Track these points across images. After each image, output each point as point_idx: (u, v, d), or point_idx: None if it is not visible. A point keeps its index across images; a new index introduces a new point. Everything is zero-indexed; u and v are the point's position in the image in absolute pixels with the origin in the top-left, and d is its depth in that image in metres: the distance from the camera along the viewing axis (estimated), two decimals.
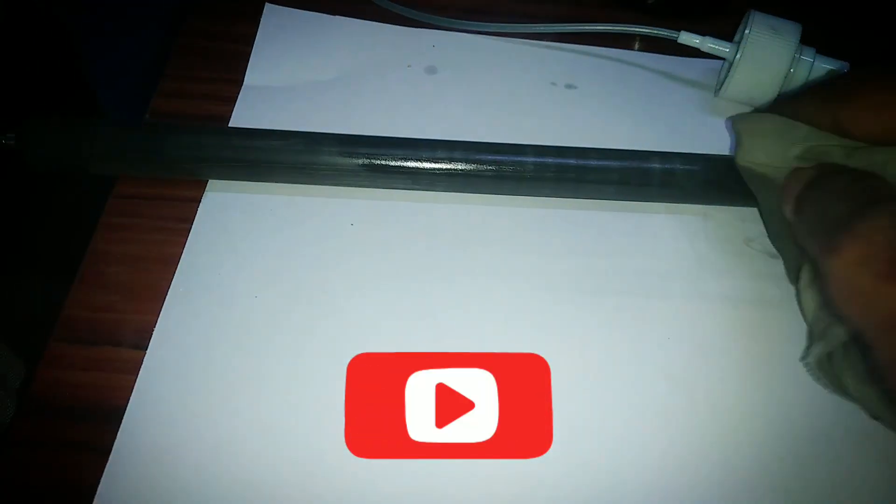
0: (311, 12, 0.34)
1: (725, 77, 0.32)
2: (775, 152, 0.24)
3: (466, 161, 0.27)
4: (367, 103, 0.31)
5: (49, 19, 0.47)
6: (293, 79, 0.31)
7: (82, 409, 0.23)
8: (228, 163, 0.26)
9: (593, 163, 0.27)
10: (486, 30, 0.34)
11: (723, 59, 0.32)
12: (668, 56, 0.34)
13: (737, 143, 0.25)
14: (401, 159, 0.26)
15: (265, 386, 0.24)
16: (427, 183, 0.27)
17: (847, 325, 0.20)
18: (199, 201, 0.27)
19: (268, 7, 0.34)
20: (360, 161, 0.26)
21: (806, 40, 0.31)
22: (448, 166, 0.26)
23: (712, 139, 0.31)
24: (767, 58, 0.30)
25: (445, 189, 0.27)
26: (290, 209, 0.27)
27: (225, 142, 0.26)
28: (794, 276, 0.25)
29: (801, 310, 0.24)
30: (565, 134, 0.30)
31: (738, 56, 0.31)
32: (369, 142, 0.27)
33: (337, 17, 0.34)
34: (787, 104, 0.24)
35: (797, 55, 0.31)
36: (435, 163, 0.26)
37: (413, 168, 0.26)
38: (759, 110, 0.25)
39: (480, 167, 0.27)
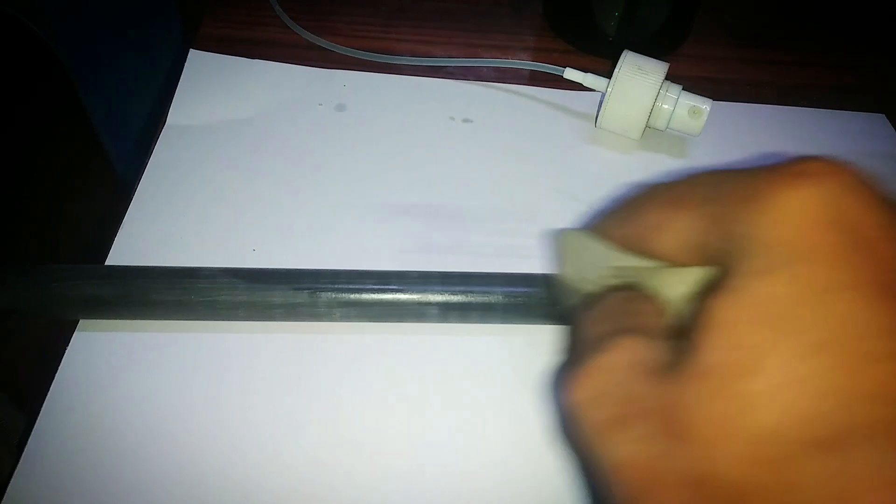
0: (233, 56, 0.38)
1: (601, 109, 0.36)
2: (585, 269, 0.23)
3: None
4: (279, 141, 0.34)
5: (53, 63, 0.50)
6: (212, 118, 0.35)
7: None
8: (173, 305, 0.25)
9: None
10: (395, 62, 0.38)
11: (602, 92, 0.36)
12: (556, 89, 0.38)
13: (558, 257, 0.25)
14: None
15: None
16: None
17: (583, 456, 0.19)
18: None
19: (192, 53, 0.37)
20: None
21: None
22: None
23: (590, 167, 0.35)
24: (634, 93, 0.34)
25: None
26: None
27: (175, 283, 0.25)
28: None
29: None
30: (461, 165, 0.34)
31: (610, 90, 0.35)
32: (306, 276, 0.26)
33: (256, 60, 0.38)
34: (599, 222, 0.23)
35: (662, 91, 0.35)
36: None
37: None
38: (576, 228, 0.24)
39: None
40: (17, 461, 0.23)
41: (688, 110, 0.35)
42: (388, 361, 0.27)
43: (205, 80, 0.36)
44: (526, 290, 0.27)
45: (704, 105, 0.35)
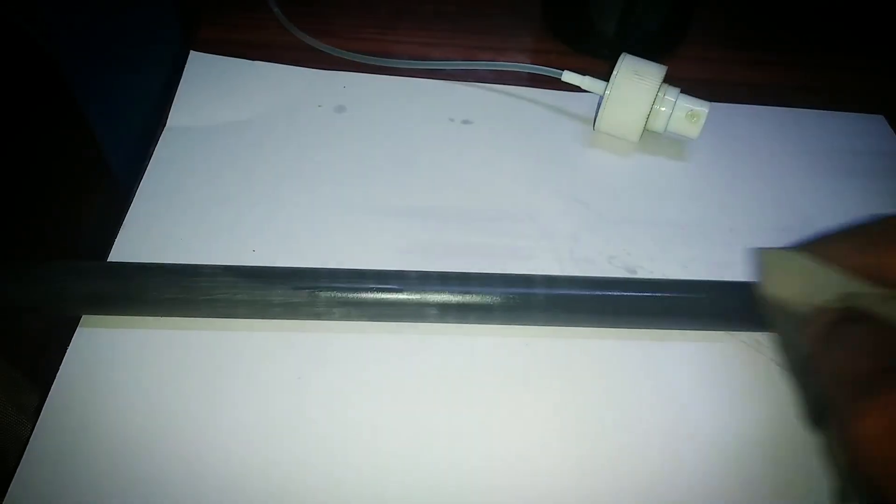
0: (233, 58, 0.38)
1: (599, 112, 0.36)
2: (803, 293, 0.23)
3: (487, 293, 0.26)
4: (279, 142, 0.34)
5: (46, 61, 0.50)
6: (213, 120, 0.35)
7: None
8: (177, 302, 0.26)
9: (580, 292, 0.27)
10: (394, 65, 0.38)
11: (600, 95, 0.36)
12: (555, 91, 0.38)
13: (763, 275, 0.24)
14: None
15: None
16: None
17: (870, 486, 0.19)
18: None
19: (192, 54, 0.38)
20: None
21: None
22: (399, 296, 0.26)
23: (589, 169, 0.35)
24: (632, 96, 0.34)
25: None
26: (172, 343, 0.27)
27: (174, 281, 0.25)
28: (813, 415, 0.25)
29: (831, 455, 0.24)
30: (461, 166, 0.34)
31: (607, 94, 0.35)
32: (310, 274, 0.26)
33: (256, 62, 0.38)
34: (818, 245, 0.23)
35: (660, 94, 0.35)
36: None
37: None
38: (787, 249, 0.24)
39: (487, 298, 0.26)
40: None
41: (686, 114, 0.35)
42: (387, 361, 0.27)
43: (205, 81, 0.37)
44: (524, 290, 0.27)
45: (702, 108, 0.35)
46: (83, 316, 0.26)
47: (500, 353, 0.27)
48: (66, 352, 0.26)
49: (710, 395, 0.27)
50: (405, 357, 0.27)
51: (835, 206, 0.35)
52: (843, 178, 0.36)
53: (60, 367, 0.25)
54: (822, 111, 0.40)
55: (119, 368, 0.26)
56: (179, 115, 0.35)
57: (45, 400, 0.24)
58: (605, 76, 0.35)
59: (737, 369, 0.28)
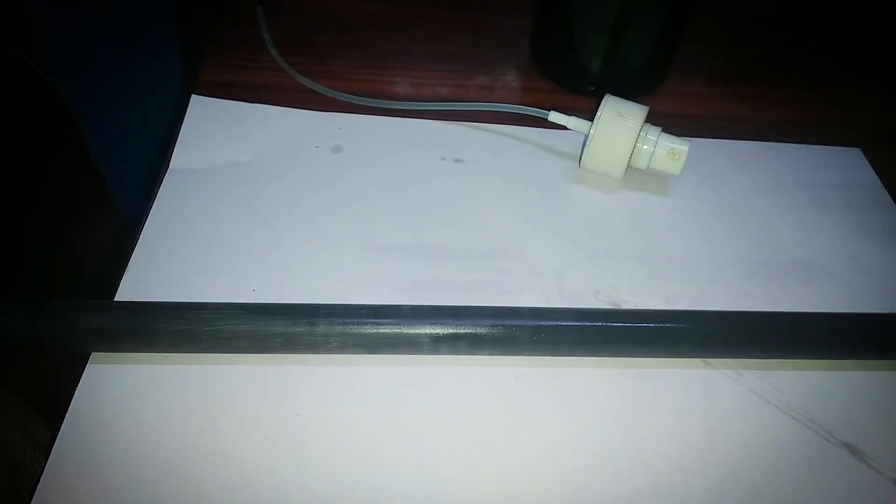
0: (233, 101, 0.40)
1: (584, 150, 0.37)
2: None
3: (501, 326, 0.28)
4: (278, 183, 0.36)
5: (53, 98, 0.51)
6: (214, 162, 0.36)
7: None
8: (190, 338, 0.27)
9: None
10: (388, 106, 0.40)
11: (585, 134, 0.38)
12: (542, 129, 0.40)
13: None
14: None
15: None
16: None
17: None
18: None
19: (194, 98, 0.39)
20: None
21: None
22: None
23: (575, 205, 0.37)
24: (615, 136, 0.36)
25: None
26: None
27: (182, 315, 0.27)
28: None
29: None
30: (452, 204, 0.36)
31: (592, 133, 0.36)
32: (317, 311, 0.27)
33: (256, 104, 0.40)
34: None
35: (642, 134, 0.36)
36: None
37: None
38: None
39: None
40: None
41: (667, 152, 0.36)
42: (383, 391, 0.28)
43: (206, 124, 0.38)
44: (512, 322, 0.28)
45: (683, 146, 0.36)
46: (93, 353, 0.28)
47: (490, 383, 0.29)
48: (76, 388, 0.27)
49: (691, 423, 0.28)
50: (400, 387, 0.28)
51: (814, 238, 0.36)
52: (822, 211, 0.38)
53: (72, 402, 0.26)
54: (800, 145, 0.42)
55: (128, 403, 0.27)
56: (182, 158, 0.36)
57: (56, 435, 0.25)
58: (591, 114, 0.37)
59: (717, 399, 0.29)
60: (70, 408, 0.26)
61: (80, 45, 0.56)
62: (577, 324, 0.28)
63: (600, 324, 0.28)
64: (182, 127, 0.38)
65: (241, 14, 0.47)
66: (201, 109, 0.39)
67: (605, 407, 0.28)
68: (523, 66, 0.46)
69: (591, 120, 0.37)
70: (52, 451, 0.25)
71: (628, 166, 0.37)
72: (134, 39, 0.58)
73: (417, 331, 0.28)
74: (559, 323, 0.28)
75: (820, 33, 0.52)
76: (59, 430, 0.26)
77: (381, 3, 0.50)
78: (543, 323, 0.28)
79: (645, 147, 0.36)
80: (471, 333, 0.28)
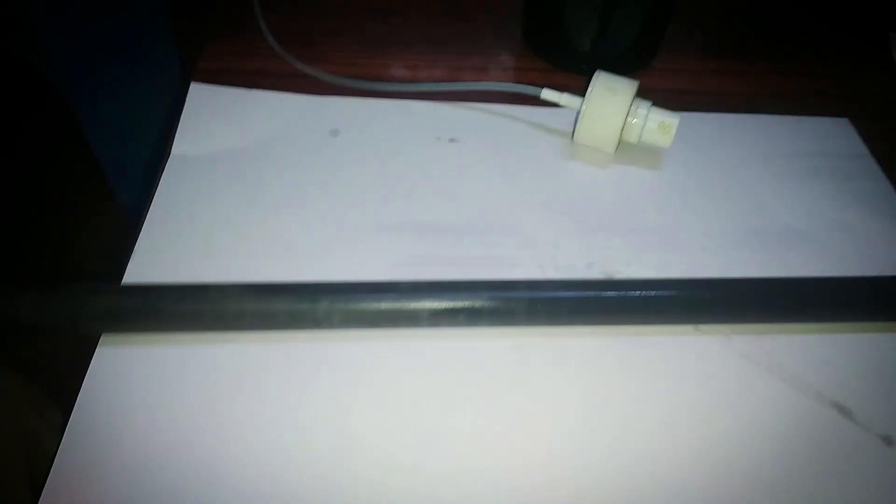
0: (232, 87, 0.40)
1: (576, 126, 0.38)
2: None
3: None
4: (278, 166, 0.37)
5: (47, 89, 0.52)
6: (214, 148, 0.37)
7: None
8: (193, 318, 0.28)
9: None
10: (383, 88, 0.41)
11: (577, 110, 0.39)
12: (535, 108, 0.41)
13: None
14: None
15: None
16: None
17: None
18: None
19: (193, 85, 0.40)
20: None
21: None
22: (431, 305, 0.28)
23: (569, 180, 0.38)
24: (606, 111, 0.37)
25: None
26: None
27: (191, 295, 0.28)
28: None
29: None
30: (449, 182, 0.37)
31: (584, 109, 0.37)
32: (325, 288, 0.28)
33: (254, 90, 0.40)
34: None
35: (632, 108, 0.37)
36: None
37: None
38: None
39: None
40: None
41: (657, 125, 0.37)
42: (384, 363, 0.29)
43: (206, 110, 0.39)
44: (509, 295, 0.29)
45: (672, 119, 0.37)
46: (102, 335, 0.29)
47: (489, 353, 0.30)
48: (87, 369, 0.28)
49: (684, 388, 0.29)
50: (402, 360, 0.29)
51: (804, 208, 0.37)
52: (811, 181, 0.39)
53: (83, 384, 0.27)
54: (788, 116, 0.43)
55: (138, 384, 0.28)
56: (183, 144, 0.37)
57: (69, 416, 0.27)
58: (583, 92, 0.38)
59: (709, 364, 0.30)
60: (81, 390, 0.27)
61: (77, 41, 0.57)
62: (571, 294, 0.29)
63: (594, 293, 0.29)
64: (182, 114, 0.38)
65: (237, 2, 0.47)
66: (201, 96, 0.40)
67: (600, 374, 0.29)
68: (516, 47, 0.47)
69: (583, 96, 0.37)
70: (65, 432, 0.26)
71: (620, 140, 0.38)
72: (130, 31, 0.59)
73: (417, 305, 0.29)
74: (554, 294, 0.29)
75: (803, 7, 0.53)
76: (71, 412, 0.27)
77: None
78: (539, 294, 0.29)
79: (635, 121, 0.37)
80: (469, 307, 0.29)
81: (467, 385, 0.29)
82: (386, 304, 0.29)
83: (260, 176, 0.36)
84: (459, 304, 0.29)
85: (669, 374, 0.30)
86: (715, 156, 0.40)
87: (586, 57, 0.44)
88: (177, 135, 0.38)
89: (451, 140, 0.39)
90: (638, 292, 0.29)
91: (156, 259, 0.32)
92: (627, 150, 0.39)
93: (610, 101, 0.37)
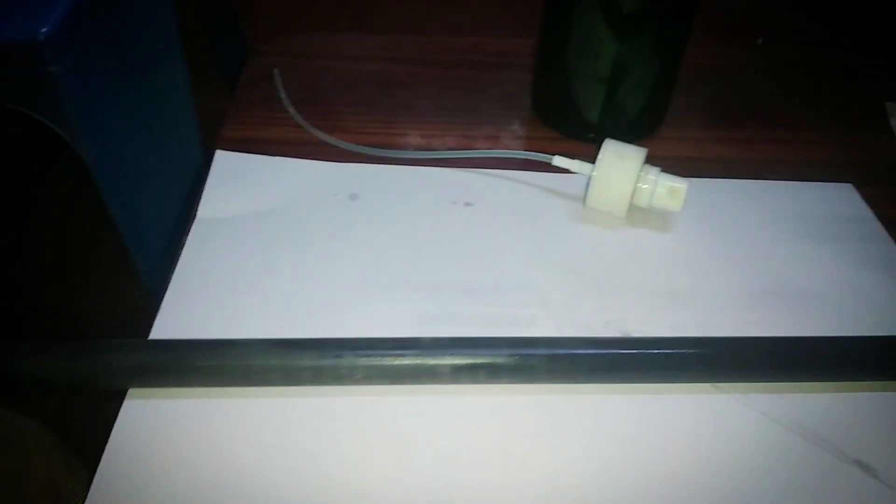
0: (255, 154, 0.42)
1: (588, 191, 0.39)
2: None
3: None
4: (300, 229, 0.38)
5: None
6: (239, 211, 0.38)
7: None
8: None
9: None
10: (399, 155, 0.42)
11: (588, 176, 0.40)
12: (547, 173, 0.42)
13: None
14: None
15: None
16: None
17: None
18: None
19: (218, 153, 0.42)
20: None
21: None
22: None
23: (582, 242, 0.39)
24: (616, 177, 0.38)
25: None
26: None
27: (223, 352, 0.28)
28: None
29: None
30: (465, 244, 0.38)
31: (594, 175, 0.39)
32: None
33: (276, 157, 0.42)
34: None
35: (642, 174, 0.38)
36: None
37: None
38: None
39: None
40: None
41: (666, 190, 0.38)
42: (404, 418, 0.29)
43: (230, 176, 0.40)
44: (529, 352, 0.29)
45: (681, 185, 0.38)
46: (130, 389, 0.29)
47: (508, 409, 0.30)
48: (114, 424, 0.28)
49: (702, 446, 0.29)
50: (421, 415, 0.29)
51: (812, 269, 0.38)
52: (820, 243, 0.39)
53: (110, 437, 0.28)
54: (794, 182, 0.44)
55: (164, 437, 0.28)
56: (208, 208, 0.38)
57: (95, 471, 0.27)
58: (592, 158, 0.39)
59: (727, 421, 0.30)
60: (108, 444, 0.27)
61: (102, 114, 0.59)
62: (590, 352, 0.30)
63: (614, 351, 0.30)
64: (208, 180, 0.40)
65: (258, 78, 0.50)
66: (225, 162, 0.41)
67: (617, 431, 0.29)
68: (526, 117, 0.49)
69: (594, 163, 0.39)
70: (92, 487, 0.26)
71: (631, 204, 0.39)
72: (153, 100, 0.61)
73: (438, 361, 0.29)
74: (573, 351, 0.30)
75: (802, 79, 0.55)
76: (97, 466, 0.27)
77: (385, 62, 0.53)
78: (558, 352, 0.29)
79: (645, 186, 0.38)
80: (489, 363, 0.29)
81: (487, 441, 0.29)
82: (408, 360, 0.29)
83: (282, 238, 0.37)
84: (480, 360, 0.29)
85: (687, 432, 0.30)
86: (724, 220, 0.41)
87: (594, 126, 0.46)
88: (202, 199, 0.39)
89: (467, 204, 0.40)
90: (656, 350, 0.30)
91: (181, 317, 0.32)
92: (638, 213, 0.40)
93: (620, 168, 0.38)
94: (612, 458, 0.29)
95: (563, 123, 0.47)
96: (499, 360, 0.29)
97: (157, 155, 0.61)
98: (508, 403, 0.30)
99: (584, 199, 0.40)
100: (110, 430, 0.28)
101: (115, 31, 0.51)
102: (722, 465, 0.29)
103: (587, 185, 0.40)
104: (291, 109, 0.46)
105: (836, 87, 0.55)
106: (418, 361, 0.29)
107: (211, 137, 0.45)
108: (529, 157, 0.41)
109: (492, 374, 0.29)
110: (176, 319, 0.32)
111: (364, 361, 0.29)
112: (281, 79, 0.49)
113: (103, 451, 0.27)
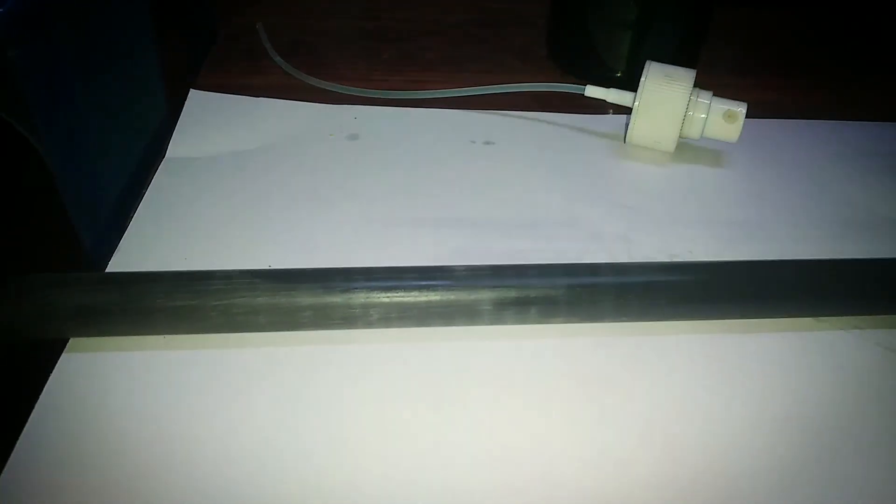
0: (236, 95, 0.36)
1: (630, 123, 0.34)
2: None
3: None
4: (290, 166, 0.31)
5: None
6: (217, 150, 0.32)
7: None
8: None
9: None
10: (405, 96, 0.36)
11: (628, 107, 0.34)
12: (578, 114, 0.36)
13: None
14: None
15: None
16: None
17: None
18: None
19: (192, 93, 0.35)
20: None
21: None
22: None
23: (626, 178, 0.33)
24: (664, 102, 0.32)
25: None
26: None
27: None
28: None
29: None
30: (489, 181, 0.32)
31: (637, 103, 0.33)
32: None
33: (261, 98, 0.36)
34: None
35: (693, 98, 0.33)
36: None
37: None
38: None
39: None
40: None
41: (723, 114, 0.33)
42: (433, 371, 0.22)
43: (206, 117, 0.34)
44: (594, 280, 0.23)
45: (739, 108, 0.33)
46: (71, 339, 0.22)
47: (569, 352, 0.23)
48: (45, 383, 0.21)
49: (812, 387, 0.23)
50: (458, 367, 0.23)
51: (893, 199, 0.32)
52: (891, 175, 0.34)
53: (37, 404, 0.20)
54: (844, 122, 0.39)
55: (111, 403, 0.21)
56: (179, 148, 0.32)
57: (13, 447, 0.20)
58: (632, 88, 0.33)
59: (840, 358, 0.24)
60: (34, 411, 0.20)
61: (61, 98, 0.54)
62: (673, 278, 0.23)
63: (700, 277, 0.24)
64: (179, 120, 0.34)
65: (238, 33, 0.44)
66: (201, 102, 0.35)
67: (706, 377, 0.23)
68: (543, 67, 0.43)
69: (634, 91, 0.33)
70: (6, 466, 0.19)
71: (679, 136, 0.33)
72: (120, 91, 0.56)
73: (477, 296, 0.23)
74: (651, 279, 0.23)
75: (834, 25, 0.50)
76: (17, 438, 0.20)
77: (379, 20, 0.48)
78: (631, 279, 0.23)
79: (697, 112, 0.33)
80: (542, 296, 0.23)
81: (542, 393, 0.22)
82: (438, 295, 0.22)
83: (269, 177, 0.31)
84: (530, 291, 0.23)
85: (797, 372, 0.23)
86: (783, 156, 0.35)
87: (619, 75, 0.40)
88: (172, 139, 0.32)
89: (487, 142, 0.34)
90: (754, 273, 0.24)
91: (144, 254, 0.26)
92: (686, 150, 0.34)
93: (667, 92, 0.33)
94: (699, 408, 0.22)
95: (585, 71, 0.42)
96: (554, 291, 0.23)
97: (119, 130, 0.55)
98: (566, 346, 0.24)
99: (624, 136, 0.35)
100: (38, 395, 0.21)
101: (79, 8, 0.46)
102: (844, 409, 0.22)
103: (627, 120, 0.34)
104: (278, 58, 0.40)
105: (872, 32, 0.50)
106: (451, 296, 0.22)
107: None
108: (556, 90, 0.35)
109: (546, 310, 0.23)
110: (137, 255, 0.26)
111: (382, 297, 0.22)
112: (265, 33, 0.43)
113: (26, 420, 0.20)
